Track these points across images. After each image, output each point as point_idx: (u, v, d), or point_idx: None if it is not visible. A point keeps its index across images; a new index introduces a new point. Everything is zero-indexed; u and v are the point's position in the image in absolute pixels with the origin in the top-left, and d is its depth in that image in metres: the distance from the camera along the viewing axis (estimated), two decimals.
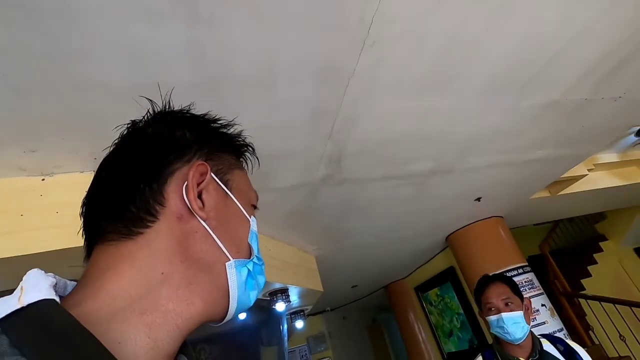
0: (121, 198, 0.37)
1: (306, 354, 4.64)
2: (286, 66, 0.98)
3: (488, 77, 1.24)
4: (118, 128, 0.45)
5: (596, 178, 2.74)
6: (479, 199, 2.45)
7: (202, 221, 0.38)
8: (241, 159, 0.50)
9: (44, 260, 1.04)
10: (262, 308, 2.21)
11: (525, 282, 2.63)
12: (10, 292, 0.30)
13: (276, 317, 2.57)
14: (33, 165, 1.07)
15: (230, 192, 0.43)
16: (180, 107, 0.48)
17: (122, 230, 0.36)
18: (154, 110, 0.46)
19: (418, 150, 1.61)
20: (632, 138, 2.53)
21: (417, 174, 1.83)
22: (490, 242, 2.87)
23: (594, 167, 2.59)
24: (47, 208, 1.06)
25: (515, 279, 2.63)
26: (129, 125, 0.43)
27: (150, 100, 0.47)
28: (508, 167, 2.01)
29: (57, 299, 0.30)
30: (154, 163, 0.39)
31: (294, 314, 2.97)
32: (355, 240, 2.62)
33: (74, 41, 0.76)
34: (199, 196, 0.39)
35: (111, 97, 0.90)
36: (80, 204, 0.40)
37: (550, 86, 1.37)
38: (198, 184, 0.40)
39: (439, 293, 3.68)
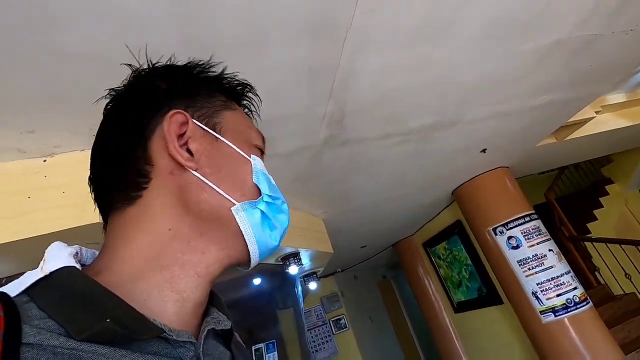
0: (116, 166, 0.38)
1: (321, 313, 4.84)
2: (278, 23, 0.93)
3: (486, 20, 1.17)
4: (99, 100, 0.43)
5: (604, 120, 2.68)
6: (484, 151, 2.42)
7: (193, 171, 0.38)
8: (231, 99, 0.47)
9: (58, 240, 1.06)
10: (276, 273, 2.28)
11: (532, 229, 2.66)
12: None
13: (290, 281, 2.65)
14: (33, 146, 1.06)
15: (221, 134, 0.41)
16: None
17: (124, 197, 0.36)
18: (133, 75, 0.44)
19: (418, 104, 1.56)
20: None
21: (418, 129, 1.80)
22: (497, 193, 2.87)
23: (601, 109, 2.52)
24: (52, 189, 1.06)
25: (522, 227, 2.67)
26: (108, 94, 0.42)
27: (129, 65, 0.44)
28: (512, 115, 1.96)
29: (78, 266, 0.31)
30: (134, 125, 0.39)
31: (307, 276, 3.07)
32: (361, 201, 2.64)
33: (48, 8, 0.72)
34: (186, 146, 0.38)
35: (96, 66, 0.86)
36: (86, 182, 0.40)
37: (555, 25, 1.29)
38: (181, 135, 0.39)
39: (447, 247, 3.75)
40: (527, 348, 2.88)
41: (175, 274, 0.35)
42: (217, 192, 0.38)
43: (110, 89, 0.42)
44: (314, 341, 4.64)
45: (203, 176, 0.38)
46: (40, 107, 0.93)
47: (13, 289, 0.29)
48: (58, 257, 0.31)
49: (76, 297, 0.29)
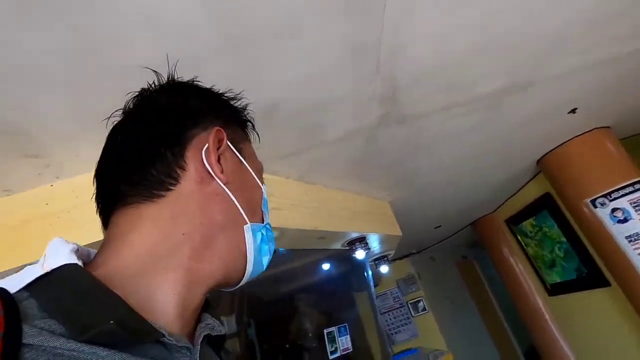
0: (141, 162, 0.38)
1: (398, 295, 4.78)
2: (309, 3, 0.88)
3: None
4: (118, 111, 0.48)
5: None
6: (573, 111, 2.06)
7: (222, 184, 0.40)
8: (246, 132, 0.54)
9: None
10: (347, 257, 2.28)
11: None
12: None
13: (360, 265, 2.64)
14: None
15: (245, 159, 0.46)
16: (188, 79, 0.50)
17: (144, 193, 0.37)
18: (159, 82, 0.47)
19: (484, 66, 1.38)
20: None
21: (486, 96, 1.60)
22: (595, 159, 2.45)
23: None
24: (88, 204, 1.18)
25: (631, 196, 2.25)
26: (138, 95, 0.45)
27: (155, 71, 0.48)
28: (607, 65, 1.62)
29: (80, 263, 0.31)
30: (172, 129, 0.40)
31: (378, 260, 3.03)
32: (428, 180, 2.48)
33: (99, 29, 0.78)
34: (218, 161, 0.41)
35: (145, 79, 0.92)
36: None
37: None
38: (217, 149, 0.42)
39: (534, 223, 3.35)
40: None
41: (179, 278, 0.35)
42: (238, 208, 0.41)
43: (142, 89, 0.45)
44: (392, 323, 4.61)
45: (229, 191, 0.41)
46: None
47: (12, 284, 0.28)
48: (59, 253, 0.31)
49: (78, 297, 0.28)
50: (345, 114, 1.39)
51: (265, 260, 0.45)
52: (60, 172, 1.17)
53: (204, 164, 0.39)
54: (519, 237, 3.64)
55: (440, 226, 4.02)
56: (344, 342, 2.07)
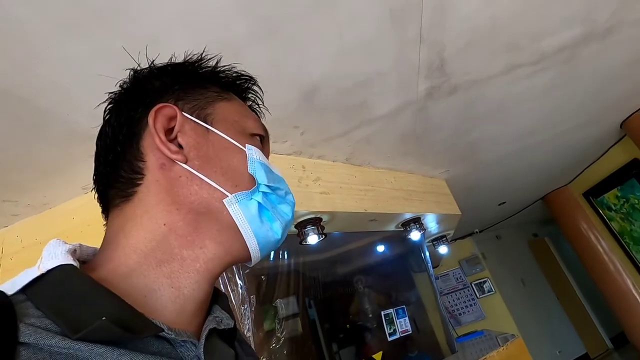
0: (112, 164, 0.39)
1: (461, 276, 4.56)
2: None
3: None
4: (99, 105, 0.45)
5: None
6: None
7: (182, 164, 0.37)
8: (228, 90, 0.46)
9: None
10: (404, 238, 2.21)
11: None
12: None
13: (417, 246, 2.56)
14: None
15: (213, 125, 0.40)
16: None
17: (121, 194, 0.37)
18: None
19: (552, 15, 1.19)
20: None
21: (557, 51, 1.39)
22: None
23: None
24: None
25: None
26: (109, 98, 0.43)
27: (134, 69, 0.44)
28: None
29: (76, 264, 0.31)
30: (126, 122, 0.39)
31: (436, 240, 2.90)
32: (490, 153, 2.28)
33: (144, 27, 0.80)
34: (176, 139, 0.38)
35: None
36: None
37: None
38: (171, 129, 0.38)
39: (619, 195, 2.94)
40: None
41: (175, 270, 0.34)
42: (208, 183, 0.37)
43: (109, 93, 0.43)
44: (456, 305, 4.44)
45: (192, 168, 0.37)
46: None
47: (9, 287, 0.28)
48: (55, 254, 0.31)
49: (72, 296, 0.28)
50: (390, 89, 1.30)
51: (277, 227, 0.40)
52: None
53: (159, 149, 0.37)
54: (601, 211, 3.23)
55: (505, 202, 3.71)
56: (403, 324, 2.03)
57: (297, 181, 1.49)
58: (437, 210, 2.15)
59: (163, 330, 0.30)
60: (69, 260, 0.31)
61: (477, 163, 2.40)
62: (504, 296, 4.34)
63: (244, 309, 1.38)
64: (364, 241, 2.60)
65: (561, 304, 4.93)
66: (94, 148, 0.41)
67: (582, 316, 4.88)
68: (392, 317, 2.04)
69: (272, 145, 1.42)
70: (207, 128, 0.40)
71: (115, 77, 0.44)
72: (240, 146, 0.40)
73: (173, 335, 0.31)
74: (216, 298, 0.41)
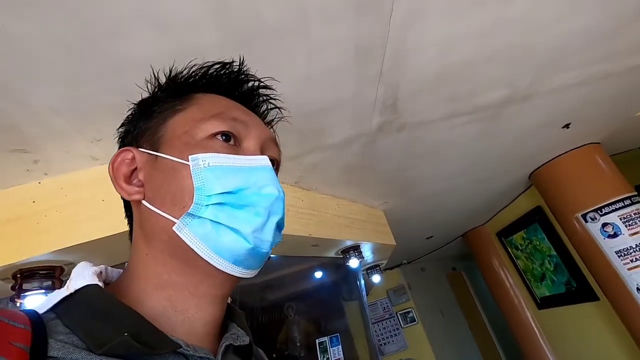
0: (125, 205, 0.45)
1: (388, 305, 4.74)
2: (318, 1, 0.87)
3: None
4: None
5: None
6: (567, 126, 2.09)
7: (143, 200, 0.39)
8: (192, 93, 0.45)
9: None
10: (338, 265, 2.25)
11: (634, 214, 2.25)
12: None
13: (353, 274, 2.61)
14: (103, 154, 1.15)
15: (160, 148, 0.39)
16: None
17: (130, 229, 0.43)
18: (155, 83, 0.50)
19: (486, 77, 1.38)
20: None
21: (487, 106, 1.61)
22: (586, 174, 2.49)
23: None
24: None
25: (621, 212, 2.28)
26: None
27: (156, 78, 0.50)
28: (604, 81, 1.65)
29: (101, 284, 0.34)
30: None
31: (370, 269, 2.99)
32: (424, 189, 2.48)
33: (102, 21, 0.75)
34: (129, 181, 0.41)
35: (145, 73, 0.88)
36: None
37: None
38: (132, 171, 0.40)
39: (525, 236, 3.38)
40: (632, 350, 2.47)
41: (172, 295, 0.36)
42: (160, 215, 0.36)
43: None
44: (381, 334, 4.56)
45: (148, 202, 0.38)
46: (102, 117, 1.00)
47: (45, 304, 0.32)
48: (82, 275, 0.34)
49: (97, 314, 0.31)
50: (346, 119, 1.37)
51: (247, 228, 0.35)
52: (49, 169, 1.12)
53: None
54: (510, 250, 3.66)
55: (432, 236, 4.02)
56: (336, 353, 2.02)
57: None
58: (375, 240, 2.24)
59: (181, 347, 0.31)
60: (95, 281, 0.33)
61: (411, 197, 2.58)
62: (425, 326, 4.59)
63: None
64: (298, 267, 2.58)
65: (473, 334, 5.35)
66: None
67: (489, 345, 5.34)
68: (326, 346, 2.02)
69: None
70: (155, 156, 0.39)
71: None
72: (183, 161, 0.37)
73: (191, 351, 0.32)
74: (232, 316, 0.42)
